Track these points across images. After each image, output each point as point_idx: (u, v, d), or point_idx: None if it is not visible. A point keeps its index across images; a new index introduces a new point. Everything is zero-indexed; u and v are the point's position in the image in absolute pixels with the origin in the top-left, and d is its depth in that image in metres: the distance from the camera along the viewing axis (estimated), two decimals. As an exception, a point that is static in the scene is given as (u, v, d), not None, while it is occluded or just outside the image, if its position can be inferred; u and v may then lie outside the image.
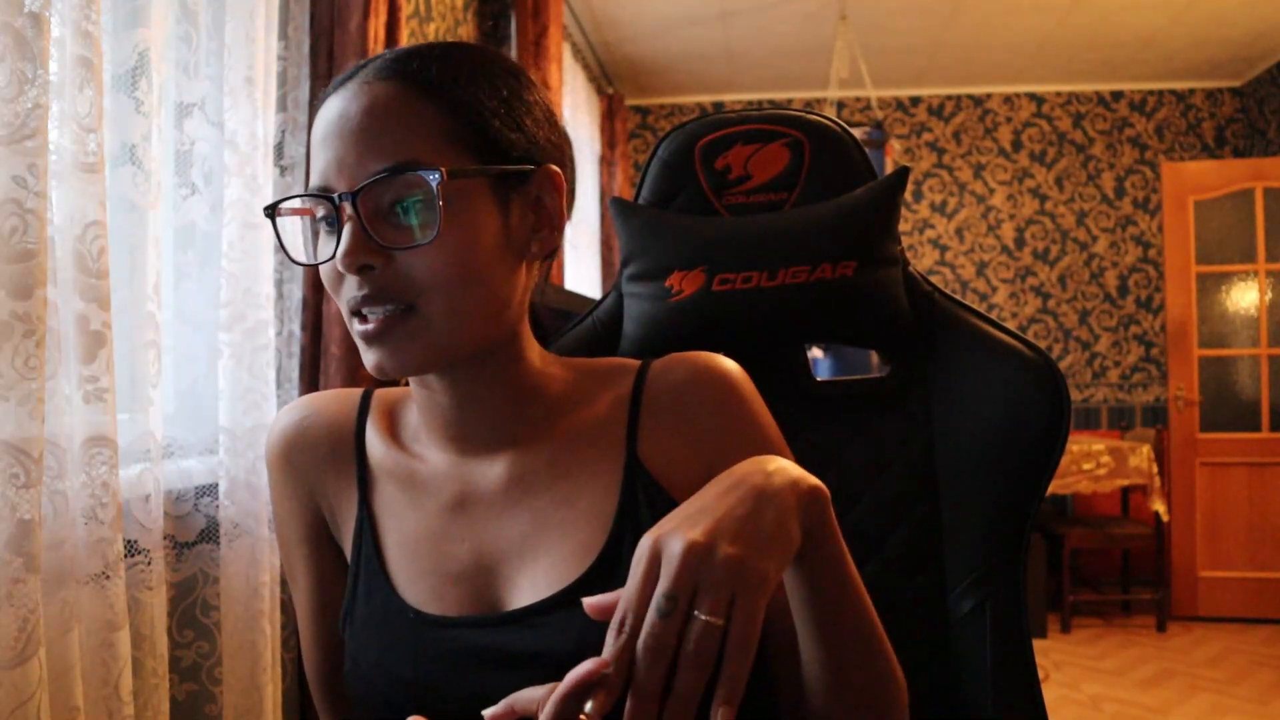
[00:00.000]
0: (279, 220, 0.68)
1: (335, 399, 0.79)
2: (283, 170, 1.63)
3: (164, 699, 1.12)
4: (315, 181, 0.64)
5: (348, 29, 1.65)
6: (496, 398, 0.70)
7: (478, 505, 0.70)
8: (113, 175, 1.14)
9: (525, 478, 0.70)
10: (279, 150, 1.62)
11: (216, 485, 1.35)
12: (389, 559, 0.71)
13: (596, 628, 0.62)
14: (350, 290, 0.63)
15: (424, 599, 0.69)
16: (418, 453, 0.74)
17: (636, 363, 0.76)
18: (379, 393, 0.79)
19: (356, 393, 0.79)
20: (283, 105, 1.63)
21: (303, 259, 0.68)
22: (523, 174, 0.66)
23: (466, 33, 2.74)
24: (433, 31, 2.50)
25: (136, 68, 1.15)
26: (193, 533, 1.33)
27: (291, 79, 1.66)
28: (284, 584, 1.50)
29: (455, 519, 0.70)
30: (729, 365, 0.73)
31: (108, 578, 1.01)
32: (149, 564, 1.13)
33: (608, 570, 0.65)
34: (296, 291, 1.64)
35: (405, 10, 1.91)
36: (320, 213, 0.65)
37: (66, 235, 1.00)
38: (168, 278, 1.38)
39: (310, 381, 1.63)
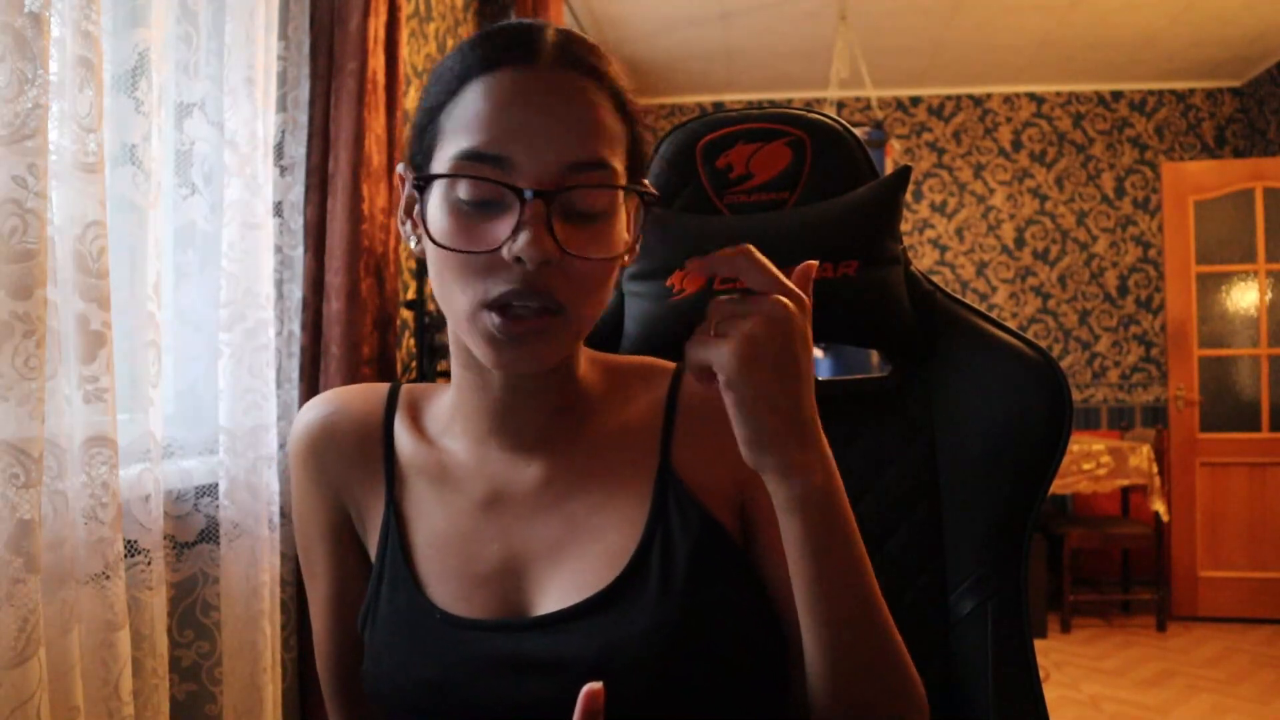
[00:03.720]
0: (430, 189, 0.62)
1: (362, 394, 0.77)
2: (283, 170, 1.63)
3: (164, 699, 1.12)
4: (488, 150, 0.59)
5: (348, 29, 1.65)
6: (548, 396, 0.69)
7: (509, 505, 0.69)
8: (113, 175, 1.14)
9: (559, 480, 0.69)
10: (279, 150, 1.61)
11: (216, 485, 1.35)
12: (416, 558, 0.70)
13: (622, 635, 0.62)
14: (503, 283, 0.59)
15: (450, 600, 0.68)
16: (447, 446, 0.72)
17: (671, 365, 0.74)
18: (407, 387, 0.78)
19: (383, 388, 0.78)
20: (283, 105, 1.63)
21: (438, 237, 0.61)
22: (651, 199, 0.66)
23: (466, 33, 2.74)
24: (433, 31, 2.50)
25: (136, 68, 1.15)
26: (193, 533, 1.33)
27: (291, 79, 1.66)
28: (284, 584, 1.50)
29: (486, 518, 0.69)
30: None
31: (108, 578, 1.01)
32: (149, 564, 1.12)
33: (636, 579, 0.64)
34: (296, 291, 1.64)
35: (405, 10, 1.91)
36: (473, 193, 0.60)
37: (66, 235, 1.00)
38: (168, 278, 1.38)
39: (310, 381, 1.63)
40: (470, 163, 0.59)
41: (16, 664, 0.85)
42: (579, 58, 0.62)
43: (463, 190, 0.60)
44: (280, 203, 1.62)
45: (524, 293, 0.59)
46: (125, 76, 1.15)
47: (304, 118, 1.66)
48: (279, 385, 1.58)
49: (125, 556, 1.09)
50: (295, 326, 1.64)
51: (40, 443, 0.89)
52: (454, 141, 0.61)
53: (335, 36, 1.66)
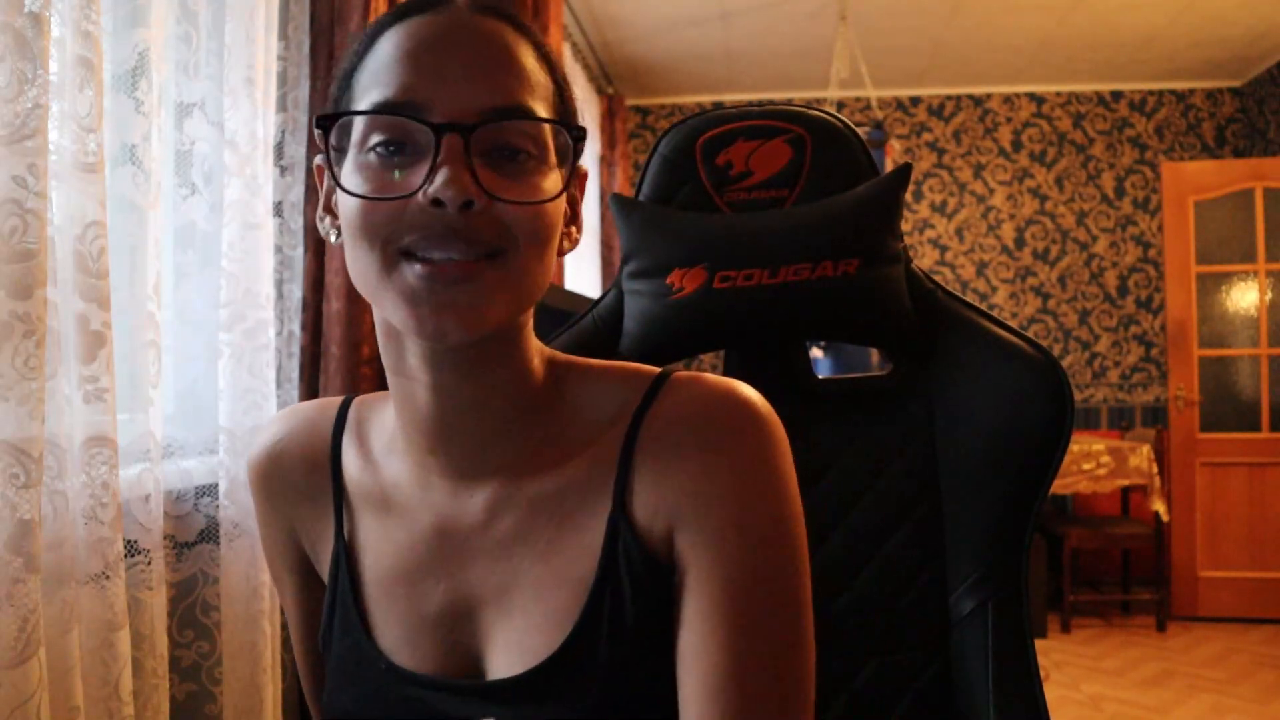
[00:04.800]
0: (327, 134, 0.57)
1: (314, 412, 0.71)
2: (283, 170, 1.63)
3: (164, 699, 1.12)
4: (399, 97, 0.54)
5: (348, 29, 1.65)
6: (490, 407, 0.60)
7: (454, 540, 0.62)
8: (113, 175, 1.13)
9: (507, 514, 0.61)
10: (279, 150, 1.61)
11: (216, 485, 1.35)
12: (365, 595, 0.65)
13: (569, 712, 0.57)
14: (421, 230, 0.53)
15: (397, 646, 0.63)
16: (390, 468, 0.65)
17: (654, 372, 0.64)
18: (357, 400, 0.71)
19: (336, 403, 0.71)
20: (283, 105, 1.63)
21: (353, 189, 0.55)
22: (578, 153, 0.60)
23: (466, 33, 2.74)
24: (432, 32, 2.49)
25: (136, 68, 1.15)
26: (193, 533, 1.33)
27: (291, 79, 1.66)
28: (284, 584, 1.50)
29: (431, 553, 0.63)
30: (752, 402, 0.60)
31: (108, 578, 1.01)
32: (149, 564, 1.12)
33: (582, 647, 0.58)
34: (296, 291, 1.64)
35: (405, 10, 1.91)
36: (385, 136, 0.54)
37: (66, 235, 1.00)
38: (168, 278, 1.38)
39: (310, 381, 1.63)
40: (382, 115, 0.54)
41: (16, 664, 0.85)
42: (494, 7, 0.58)
43: (375, 141, 0.55)
44: (280, 203, 1.61)
45: (448, 239, 0.52)
46: (125, 76, 1.15)
47: (304, 118, 1.66)
48: (279, 385, 1.58)
49: (125, 556, 1.09)
50: (295, 326, 1.64)
51: (40, 443, 0.89)
52: (366, 98, 0.55)
53: (335, 36, 1.66)
